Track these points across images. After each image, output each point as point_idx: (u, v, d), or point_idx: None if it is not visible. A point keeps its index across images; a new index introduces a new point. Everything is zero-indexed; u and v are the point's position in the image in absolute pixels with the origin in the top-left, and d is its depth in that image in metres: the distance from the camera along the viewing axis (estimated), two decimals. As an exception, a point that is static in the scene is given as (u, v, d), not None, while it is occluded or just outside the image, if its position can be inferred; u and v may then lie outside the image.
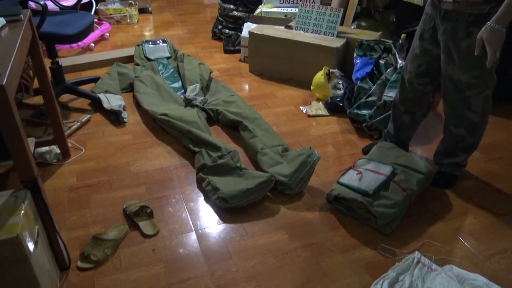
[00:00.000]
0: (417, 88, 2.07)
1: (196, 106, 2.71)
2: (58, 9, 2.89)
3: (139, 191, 2.12)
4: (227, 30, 3.95)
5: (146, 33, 4.26)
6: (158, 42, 3.57)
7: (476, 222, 1.93)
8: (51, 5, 3.24)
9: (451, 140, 2.07)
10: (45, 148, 2.33)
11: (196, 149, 2.30)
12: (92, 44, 3.84)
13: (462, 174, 2.20)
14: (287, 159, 2.17)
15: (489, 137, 2.53)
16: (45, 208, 1.51)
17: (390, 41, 2.96)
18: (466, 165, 2.18)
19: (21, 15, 1.76)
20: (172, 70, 3.25)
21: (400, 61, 2.69)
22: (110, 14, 4.38)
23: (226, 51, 3.77)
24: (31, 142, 2.06)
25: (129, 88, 3.07)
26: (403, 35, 3.22)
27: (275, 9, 3.66)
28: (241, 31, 3.75)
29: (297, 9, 3.49)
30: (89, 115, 2.74)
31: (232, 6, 3.91)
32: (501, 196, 2.09)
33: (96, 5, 4.30)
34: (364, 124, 2.55)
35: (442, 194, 2.10)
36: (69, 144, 2.41)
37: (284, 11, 3.63)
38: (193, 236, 1.85)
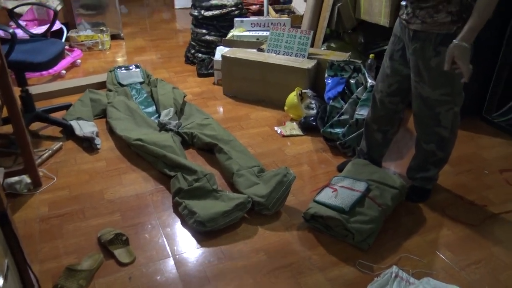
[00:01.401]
0: (388, 106, 2.13)
1: (171, 130, 2.70)
2: (28, 37, 2.87)
3: (113, 218, 2.07)
4: (200, 54, 3.98)
5: (119, 59, 4.25)
6: (131, 67, 3.56)
7: (450, 234, 1.97)
8: (20, 33, 3.21)
9: (422, 156, 2.12)
10: (15, 178, 2.26)
11: (172, 173, 2.28)
12: (64, 71, 3.81)
13: (434, 187, 2.25)
14: (263, 179, 2.17)
15: (457, 150, 2.60)
16: (15, 240, 1.45)
17: (360, 61, 3.04)
18: (437, 179, 2.24)
19: (-12, 44, 1.74)
20: (145, 95, 3.24)
21: (369, 80, 2.76)
22: (82, 41, 4.35)
23: (200, 75, 3.79)
24: (0, 172, 2.01)
25: (102, 114, 3.04)
26: (371, 55, 3.32)
27: (247, 33, 3.72)
28: (213, 55, 3.78)
29: (268, 33, 3.56)
30: (60, 143, 2.69)
31: (204, 31, 3.95)
32: (473, 208, 2.15)
33: (67, 32, 4.28)
34: (337, 142, 2.59)
35: (416, 208, 2.14)
36: (40, 173, 2.35)
37: (256, 34, 3.69)
38: (170, 262, 1.82)
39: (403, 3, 1.90)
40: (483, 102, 2.95)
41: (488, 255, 1.84)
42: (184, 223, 2.03)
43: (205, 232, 1.95)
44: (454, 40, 1.68)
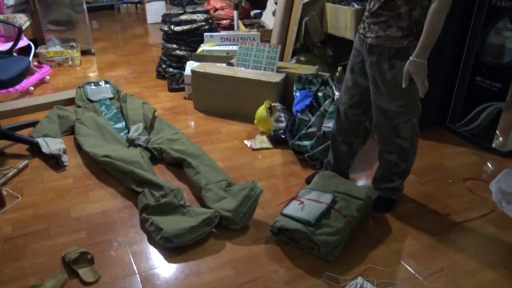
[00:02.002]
0: (352, 118, 2.17)
1: (139, 145, 2.68)
2: (-8, 54, 2.82)
3: (79, 236, 2.04)
4: (171, 69, 3.99)
5: (90, 75, 4.22)
6: (100, 83, 3.53)
7: (415, 243, 2.01)
8: (-16, 50, 3.16)
9: (385, 167, 2.17)
10: (-24, 199, 2.21)
11: (139, 189, 2.26)
12: (32, 88, 3.75)
13: (399, 197, 2.30)
14: (231, 193, 2.18)
15: (422, 160, 2.67)
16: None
17: (327, 74, 3.10)
18: (403, 189, 2.29)
19: None
20: (115, 110, 3.22)
21: (337, 93, 2.82)
22: (51, 57, 4.31)
23: (171, 90, 3.79)
24: (-40, 193, 1.96)
25: (70, 131, 3.00)
26: (339, 68, 3.39)
27: (217, 47, 3.75)
28: (184, 69, 3.79)
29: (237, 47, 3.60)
30: (26, 161, 2.63)
31: (175, 46, 3.97)
32: (437, 216, 2.20)
33: (36, 48, 4.22)
34: (306, 155, 2.62)
35: (382, 218, 2.18)
36: (4, 192, 2.30)
37: (226, 49, 3.73)
38: (136, 279, 1.80)
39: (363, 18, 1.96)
40: (447, 112, 3.04)
41: (451, 263, 1.89)
42: (151, 240, 2.01)
43: (172, 248, 1.94)
44: (410, 57, 1.74)
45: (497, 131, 2.72)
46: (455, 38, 2.82)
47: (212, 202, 2.16)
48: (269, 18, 4.20)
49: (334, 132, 2.30)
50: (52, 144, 2.73)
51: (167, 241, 1.91)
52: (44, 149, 2.66)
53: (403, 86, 1.79)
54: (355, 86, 2.07)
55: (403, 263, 1.89)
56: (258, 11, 4.95)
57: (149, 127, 2.98)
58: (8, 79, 2.43)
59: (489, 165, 2.68)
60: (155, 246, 1.98)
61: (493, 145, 2.77)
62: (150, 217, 2.05)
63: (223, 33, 3.93)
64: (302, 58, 3.85)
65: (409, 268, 1.85)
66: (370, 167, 2.64)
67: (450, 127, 3.05)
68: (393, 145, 2.06)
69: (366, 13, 1.91)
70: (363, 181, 2.49)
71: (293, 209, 2.02)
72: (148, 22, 6.28)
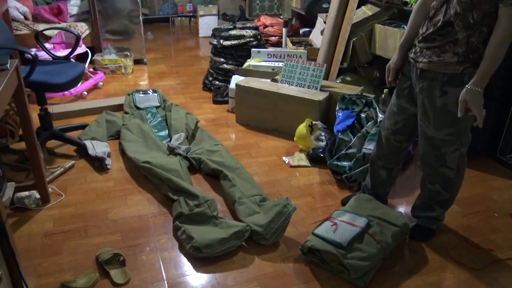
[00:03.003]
0: (393, 144, 2.12)
1: (179, 154, 2.74)
2: (51, 59, 3.01)
3: (114, 238, 2.10)
4: (217, 82, 4.07)
5: (140, 83, 4.38)
6: (148, 91, 3.67)
7: (452, 277, 1.91)
8: (45, 55, 3.37)
9: (427, 195, 2.09)
10: (25, 193, 2.33)
11: (175, 197, 2.31)
12: (85, 93, 3.95)
13: (439, 228, 2.20)
14: (264, 209, 2.17)
15: (467, 191, 2.55)
16: (11, 253, 1.50)
17: (372, 96, 3.05)
18: (443, 219, 2.19)
19: (7, 65, 1.84)
20: (160, 119, 3.32)
21: (380, 115, 2.76)
22: (106, 64, 4.53)
23: (215, 102, 3.87)
24: (10, 186, 2.07)
25: (116, 136, 3.12)
26: (385, 90, 3.32)
27: (263, 63, 3.80)
28: (229, 83, 3.86)
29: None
30: (73, 161, 2.76)
31: (222, 60, 4.05)
32: (478, 251, 2.08)
33: (92, 56, 4.46)
34: (344, 176, 2.57)
35: (419, 248, 2.09)
36: (50, 190, 2.42)
37: (272, 65, 3.76)
38: (164, 286, 1.82)
39: (414, 42, 1.91)
40: (498, 142, 2.89)
41: (490, 302, 1.78)
42: (181, 248, 2.04)
43: (201, 258, 1.95)
44: (466, 85, 1.68)
45: (551, 166, 2.56)
46: (509, 65, 2.69)
47: (245, 215, 2.16)
48: (317, 37, 4.21)
49: (373, 156, 2.24)
50: (98, 147, 2.85)
51: (197, 251, 1.93)
52: (90, 151, 2.78)
53: (459, 115, 1.72)
54: (400, 112, 2.02)
55: (437, 297, 1.80)
56: (308, 29, 4.97)
57: (191, 137, 3.05)
58: (64, 83, 2.58)
59: (541, 201, 2.51)
60: (185, 255, 2.00)
61: (547, 181, 2.60)
62: (182, 225, 2.09)
63: (270, 49, 3.97)
64: (348, 78, 3.81)
65: (443, 303, 1.76)
66: (411, 193, 2.55)
67: (500, 158, 2.89)
68: (438, 174, 1.97)
69: (418, 37, 1.86)
70: (402, 208, 2.41)
71: (325, 229, 1.98)
72: (200, 35, 6.47)
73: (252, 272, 1.90)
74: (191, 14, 7.16)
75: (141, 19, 4.84)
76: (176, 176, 2.43)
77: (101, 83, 4.21)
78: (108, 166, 2.73)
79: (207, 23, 6.39)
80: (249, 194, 2.31)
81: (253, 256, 2.00)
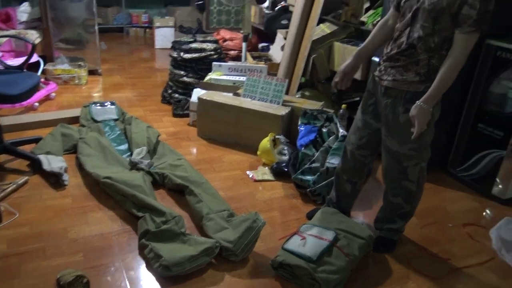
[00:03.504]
0: (358, 159, 2.19)
1: (142, 169, 2.67)
2: (3, 69, 2.84)
3: (76, 259, 2.00)
4: (177, 95, 4.02)
5: (94, 95, 4.24)
6: (106, 104, 3.55)
7: (415, 286, 1.99)
8: (-5, 64, 3.18)
9: (389, 208, 2.17)
10: (-26, 212, 2.18)
11: (140, 214, 2.24)
12: (36, 104, 3.76)
13: (400, 239, 2.29)
14: (233, 224, 2.16)
15: (423, 203, 2.64)
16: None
17: (332, 111, 3.15)
18: (403, 231, 2.28)
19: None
20: (119, 132, 3.23)
21: (341, 130, 2.84)
22: (58, 75, 4.34)
23: (175, 115, 3.82)
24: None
25: (72, 150, 2.99)
26: (343, 106, 3.44)
27: (224, 77, 3.81)
28: (190, 96, 3.83)
29: (245, 78, 3.65)
30: (26, 177, 2.61)
31: (182, 72, 4.02)
32: (437, 260, 2.19)
33: (44, 65, 4.26)
34: (308, 190, 2.62)
35: (382, 259, 2.17)
36: (2, 208, 2.27)
37: (233, 79, 3.78)
38: (132, 307, 1.76)
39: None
40: (448, 156, 3.07)
41: (451, 310, 1.87)
42: (149, 267, 1.98)
43: (170, 277, 1.90)
44: (417, 101, 1.78)
45: (497, 179, 2.75)
46: (460, 83, 2.87)
47: (213, 232, 2.14)
48: (277, 52, 4.29)
49: (339, 171, 2.31)
50: (53, 162, 2.71)
51: (166, 269, 1.88)
52: (45, 166, 2.64)
53: (412, 130, 1.81)
54: (365, 128, 2.10)
55: (403, 307, 1.86)
56: (266, 44, 5.06)
57: (152, 151, 2.98)
58: (19, 94, 2.45)
59: (489, 211, 2.69)
60: (153, 274, 1.94)
61: (493, 192, 2.78)
62: (149, 243, 2.03)
63: (231, 63, 3.99)
64: (307, 93, 3.91)
65: (409, 313, 1.83)
66: (370, 206, 2.64)
67: (450, 171, 3.07)
68: (400, 187, 2.06)
69: (383, 57, 1.96)
70: (362, 220, 2.49)
71: (295, 244, 2.00)
72: (156, 47, 6.38)
73: (222, 290, 1.88)
74: (147, 25, 7.05)
75: (96, 28, 4.70)
76: (140, 192, 2.37)
77: (53, 94, 4.03)
78: (65, 182, 2.61)
79: (163, 35, 6.31)
80: (216, 209, 2.29)
81: (223, 273, 1.98)
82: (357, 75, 3.40)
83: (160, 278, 1.92)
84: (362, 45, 2.11)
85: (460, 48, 1.70)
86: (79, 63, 4.58)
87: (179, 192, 2.58)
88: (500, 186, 2.75)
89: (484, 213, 2.67)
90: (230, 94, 3.47)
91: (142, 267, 1.99)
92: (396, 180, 2.06)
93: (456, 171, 3.02)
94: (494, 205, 2.75)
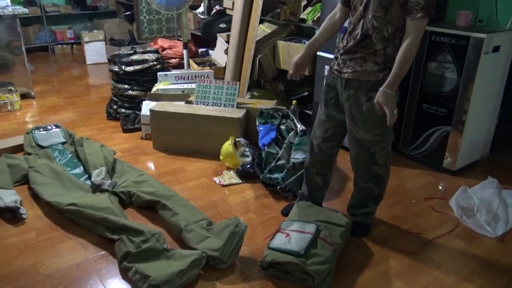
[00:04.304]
0: (325, 151, 2.26)
1: (106, 190, 2.56)
2: None
3: (55, 294, 1.88)
4: (123, 110, 3.88)
5: (32, 119, 3.98)
6: (50, 127, 3.35)
7: (397, 263, 2.10)
8: None
9: (361, 193, 2.27)
10: None
11: (115, 237, 2.14)
12: (-31, 137, 3.45)
13: (373, 221, 2.40)
14: (214, 232, 2.14)
15: (386, 184, 2.82)
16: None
17: (285, 108, 3.21)
18: (375, 213, 2.39)
19: None
20: (70, 155, 3.06)
21: (299, 125, 2.91)
22: (-13, 103, 4.02)
23: (126, 131, 3.68)
24: None
25: (22, 180, 2.78)
26: (294, 102, 3.52)
27: (172, 86, 3.74)
28: (138, 109, 3.72)
29: (193, 85, 3.62)
30: (-23, 217, 2.40)
31: (126, 86, 3.89)
32: (410, 236, 2.32)
33: (-30, 94, 3.92)
34: (278, 187, 2.66)
35: (361, 243, 2.26)
36: (-43, 254, 2.07)
37: (181, 87, 3.73)
38: (128, 334, 1.68)
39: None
40: (399, 137, 3.26)
41: (433, 279, 1.99)
42: (136, 289, 1.90)
43: (161, 296, 1.85)
44: (380, 88, 1.87)
45: (446, 153, 2.97)
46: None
47: (196, 242, 2.10)
48: (220, 56, 4.29)
49: (307, 165, 2.36)
50: (5, 196, 2.51)
51: (156, 289, 1.82)
52: (-2, 203, 2.44)
53: (380, 113, 1.91)
54: (329, 120, 2.17)
55: (391, 284, 1.96)
56: (204, 49, 5.03)
57: (111, 170, 2.86)
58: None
59: (443, 183, 2.90)
60: (141, 296, 1.87)
61: (444, 165, 3.00)
62: (133, 265, 1.95)
63: (177, 71, 3.93)
64: (256, 93, 3.96)
65: (397, 289, 1.93)
66: (338, 194, 2.73)
67: (402, 152, 3.26)
68: (369, 173, 2.16)
69: (340, 51, 2.03)
70: (334, 208, 2.57)
71: (280, 242, 2.03)
72: (88, 62, 6.09)
73: (217, 299, 1.86)
74: (73, 41, 6.71)
75: (23, 49, 4.40)
76: (110, 214, 2.26)
77: (-14, 124, 3.72)
78: (24, 216, 2.43)
79: (94, 50, 6.05)
80: (194, 220, 2.25)
81: (214, 283, 1.96)
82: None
83: (150, 298, 1.85)
84: (313, 38, 2.19)
85: (413, 34, 1.81)
86: (9, 87, 4.26)
87: (149, 209, 2.50)
88: (449, 159, 2.97)
89: (439, 186, 2.87)
90: (182, 103, 3.41)
91: (129, 291, 1.91)
92: (366, 167, 2.16)
93: (408, 150, 3.22)
94: (447, 177, 2.96)
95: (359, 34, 1.93)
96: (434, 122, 2.99)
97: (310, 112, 3.65)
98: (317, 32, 2.19)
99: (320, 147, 2.25)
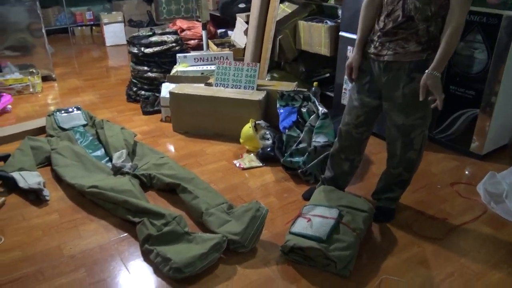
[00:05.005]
0: (355, 136, 2.18)
1: (127, 173, 2.56)
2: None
3: (78, 276, 1.90)
4: (143, 92, 3.88)
5: (54, 102, 4.01)
6: (71, 110, 3.37)
7: (421, 250, 2.05)
8: None
9: (389, 177, 2.21)
10: (-46, 244, 2.01)
11: (137, 219, 2.15)
12: (-7, 119, 3.51)
13: (397, 206, 2.34)
14: (235, 216, 2.12)
15: (410, 168, 2.75)
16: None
17: (306, 90, 3.14)
18: (400, 198, 2.33)
19: None
20: (91, 138, 3.08)
21: (320, 108, 2.84)
22: (10, 85, 4.06)
23: (145, 113, 3.68)
24: None
25: (45, 162, 2.82)
26: (315, 83, 3.45)
27: (191, 68, 3.71)
28: (158, 92, 3.71)
29: (213, 67, 3.57)
30: (3, 198, 2.44)
31: (146, 68, 3.87)
32: (435, 222, 2.26)
33: (-8, 77, 3.97)
34: (299, 171, 2.62)
35: (385, 229, 2.21)
36: (-16, 235, 2.11)
37: (200, 69, 3.69)
38: (150, 316, 1.69)
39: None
40: (423, 121, 3.16)
41: (459, 267, 1.94)
42: (158, 272, 1.91)
43: (182, 279, 1.85)
44: (426, 71, 1.79)
45: (473, 136, 2.87)
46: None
47: (217, 226, 2.09)
48: (240, 37, 4.22)
49: (334, 152, 2.29)
50: (29, 178, 2.54)
51: (178, 272, 1.82)
52: (22, 184, 2.47)
53: (421, 99, 1.83)
54: (362, 106, 2.09)
55: (415, 271, 1.92)
56: (223, 30, 4.97)
57: (132, 153, 2.86)
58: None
59: (470, 168, 2.81)
60: (163, 278, 1.88)
61: (471, 149, 2.91)
62: (154, 248, 1.95)
63: (196, 53, 3.89)
64: (276, 75, 3.89)
65: (421, 276, 1.88)
66: (361, 179, 2.68)
67: (428, 135, 3.16)
68: (404, 158, 2.09)
69: (377, 33, 1.93)
70: (357, 193, 2.52)
71: (301, 227, 2.00)
72: (107, 44, 6.10)
73: (238, 283, 1.85)
74: (92, 22, 6.72)
75: (44, 31, 4.42)
76: (131, 197, 2.27)
77: (9, 106, 3.77)
78: (47, 198, 2.46)
79: (113, 31, 6.05)
80: (214, 203, 2.24)
81: (235, 266, 1.95)
82: (325, 52, 3.41)
83: (171, 281, 1.86)
84: (359, 35, 2.04)
85: (459, 11, 1.72)
86: (30, 70, 4.30)
87: (170, 191, 2.50)
88: (476, 143, 2.87)
89: (466, 171, 2.78)
90: (202, 85, 3.38)
91: (151, 273, 1.91)
92: (401, 152, 2.08)
93: (433, 133, 3.12)
94: (474, 162, 2.87)
95: (400, 16, 1.83)
96: (461, 104, 2.89)
97: (331, 94, 3.56)
98: (360, 25, 2.03)
99: (350, 132, 2.18)
